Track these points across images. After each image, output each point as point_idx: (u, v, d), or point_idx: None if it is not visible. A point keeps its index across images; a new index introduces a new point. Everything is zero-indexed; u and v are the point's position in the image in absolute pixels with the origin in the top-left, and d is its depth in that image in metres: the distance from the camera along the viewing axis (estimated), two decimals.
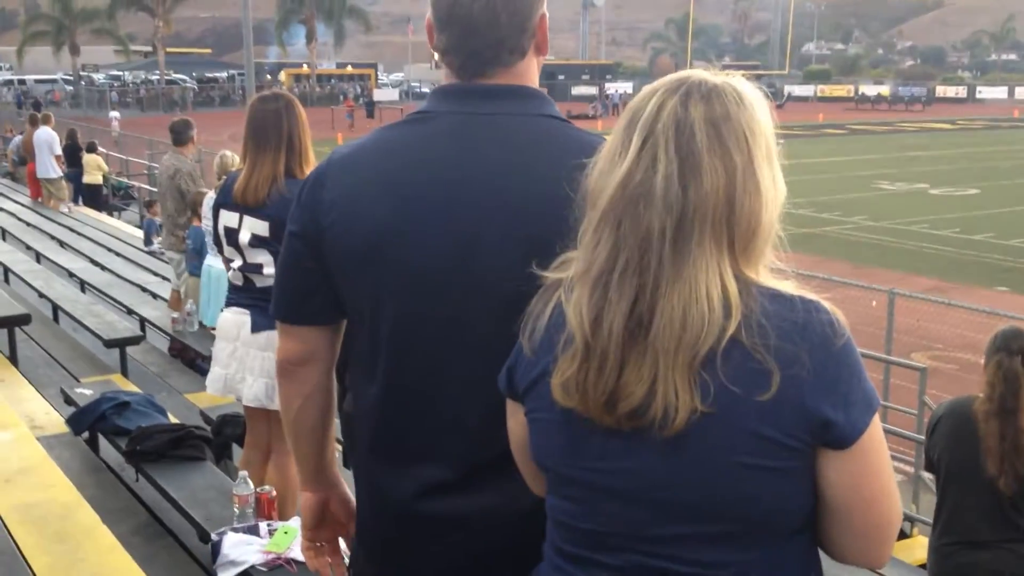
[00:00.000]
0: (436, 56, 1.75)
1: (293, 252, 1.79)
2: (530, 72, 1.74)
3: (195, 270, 7.48)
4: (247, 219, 3.83)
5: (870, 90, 73.05)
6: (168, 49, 69.33)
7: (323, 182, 1.73)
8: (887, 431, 7.78)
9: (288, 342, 1.86)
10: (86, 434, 5.24)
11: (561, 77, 69.53)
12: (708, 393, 1.28)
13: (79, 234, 13.33)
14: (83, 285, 9.88)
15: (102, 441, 5.19)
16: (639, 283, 1.31)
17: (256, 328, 3.93)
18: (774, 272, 1.37)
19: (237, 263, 3.92)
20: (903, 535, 6.84)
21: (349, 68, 76.92)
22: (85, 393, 5.52)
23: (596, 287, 1.34)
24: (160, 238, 8.89)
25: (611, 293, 1.32)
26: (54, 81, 65.17)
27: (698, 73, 1.40)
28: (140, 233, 14.10)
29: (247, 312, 3.95)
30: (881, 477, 1.36)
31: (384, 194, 1.66)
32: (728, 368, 1.28)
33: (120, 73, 74.99)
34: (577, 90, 68.15)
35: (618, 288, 1.32)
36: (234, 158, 6.71)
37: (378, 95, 63.93)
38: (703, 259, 1.30)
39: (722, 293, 1.29)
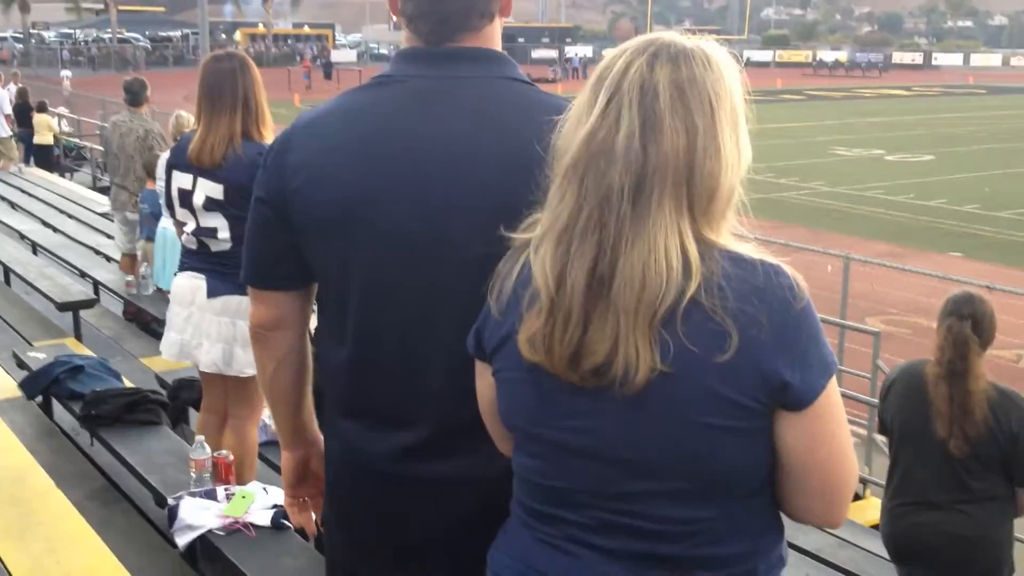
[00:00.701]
0: (400, 20, 1.73)
1: (260, 217, 1.77)
2: (495, 35, 1.74)
3: (151, 234, 7.38)
4: (201, 181, 3.77)
5: (828, 56, 73.35)
6: (120, 7, 68.07)
7: (289, 147, 1.72)
8: (842, 394, 7.88)
9: (259, 307, 1.86)
10: (39, 398, 5.18)
11: (521, 40, 69.16)
12: (668, 353, 1.30)
13: (31, 195, 13.10)
14: (35, 247, 9.71)
15: (56, 405, 5.13)
16: (599, 239, 1.32)
17: (212, 293, 3.89)
18: (736, 236, 1.39)
19: (190, 227, 3.86)
20: (856, 496, 6.95)
21: (306, 28, 76.10)
22: (38, 357, 5.44)
23: (560, 242, 1.35)
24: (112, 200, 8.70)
25: (573, 249, 1.34)
26: (3, 39, 63.78)
27: (669, 35, 1.41)
28: (94, 195, 13.88)
29: (202, 277, 3.90)
30: (837, 439, 1.38)
31: (351, 159, 1.65)
32: (688, 328, 1.30)
33: (71, 31, 73.52)
34: (537, 53, 67.83)
35: (580, 244, 1.33)
36: (189, 118, 6.59)
37: (336, 56, 63.30)
38: (662, 219, 1.31)
39: (681, 254, 1.31)
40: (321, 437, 2.02)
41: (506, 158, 1.58)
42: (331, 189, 1.65)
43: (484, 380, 1.55)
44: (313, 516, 2.09)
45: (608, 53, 1.44)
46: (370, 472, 1.76)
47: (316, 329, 1.89)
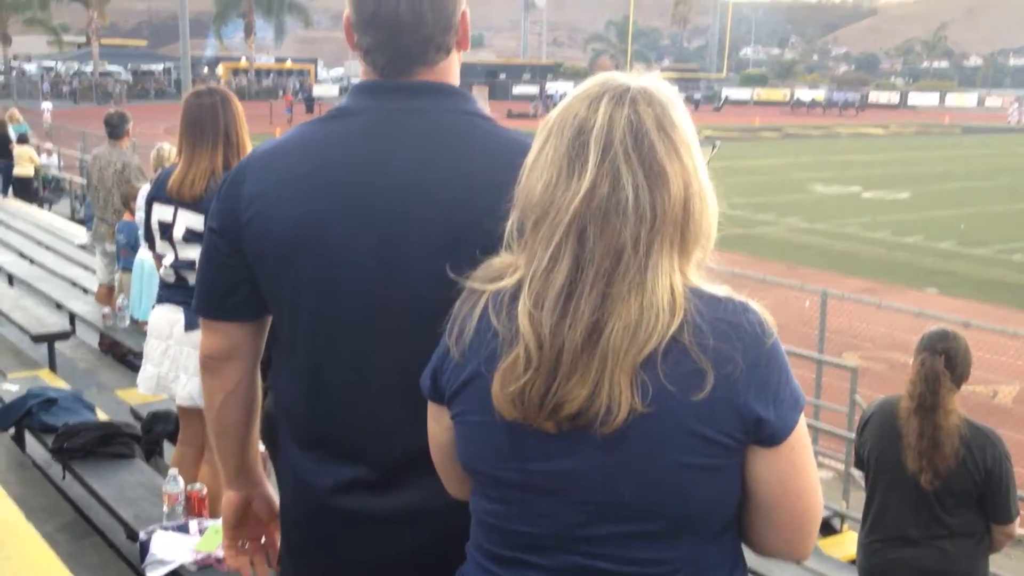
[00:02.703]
0: (356, 53, 1.72)
1: (214, 248, 1.77)
2: (452, 69, 1.74)
3: (128, 265, 7.36)
4: (182, 213, 3.78)
5: (805, 95, 74.06)
6: (102, 40, 67.99)
7: (243, 178, 1.72)
8: (820, 429, 7.90)
9: (211, 338, 1.84)
10: (12, 431, 5.12)
11: (503, 76, 69.77)
12: (647, 393, 1.28)
13: (8, 226, 13.03)
14: (11, 279, 9.66)
15: (28, 438, 5.08)
16: (604, 292, 1.30)
17: (190, 326, 3.87)
18: (705, 272, 1.38)
19: (169, 259, 3.86)
20: (833, 531, 6.95)
21: (288, 63, 76.36)
22: (11, 389, 5.39)
23: (558, 300, 1.31)
24: (90, 232, 8.71)
25: (573, 306, 1.30)
26: None
27: (625, 77, 1.39)
28: (72, 227, 13.82)
29: (180, 310, 3.89)
30: (807, 472, 1.38)
31: (303, 192, 1.65)
32: (666, 367, 1.28)
33: (53, 64, 73.48)
34: (518, 89, 68.36)
35: (586, 300, 1.30)
36: (171, 151, 6.60)
37: (318, 90, 63.46)
38: (662, 264, 1.31)
39: (671, 295, 1.30)
40: (264, 478, 2.00)
41: (460, 192, 1.58)
42: (283, 220, 1.65)
43: (439, 423, 1.50)
44: (250, 561, 2.04)
45: (571, 101, 1.38)
46: (321, 505, 1.74)
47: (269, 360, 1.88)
